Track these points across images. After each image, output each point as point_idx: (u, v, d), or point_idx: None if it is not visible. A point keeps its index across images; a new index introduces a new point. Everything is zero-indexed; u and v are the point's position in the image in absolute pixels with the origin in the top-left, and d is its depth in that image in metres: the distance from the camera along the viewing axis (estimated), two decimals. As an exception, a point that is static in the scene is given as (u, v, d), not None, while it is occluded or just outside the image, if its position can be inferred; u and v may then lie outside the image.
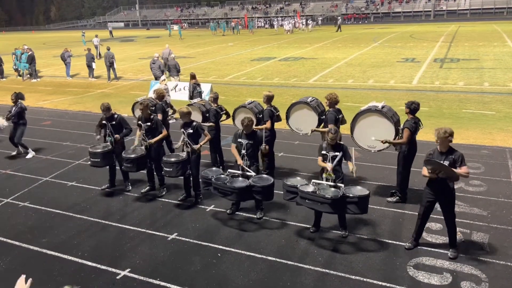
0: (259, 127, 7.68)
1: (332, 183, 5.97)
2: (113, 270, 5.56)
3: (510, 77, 17.20)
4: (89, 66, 21.70)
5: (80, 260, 5.81)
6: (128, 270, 5.55)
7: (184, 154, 7.17)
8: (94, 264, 5.70)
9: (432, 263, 5.48)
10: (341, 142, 6.30)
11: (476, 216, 6.63)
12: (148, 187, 7.93)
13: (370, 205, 5.91)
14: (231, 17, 72.39)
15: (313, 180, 6.11)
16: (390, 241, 6.02)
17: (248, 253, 5.85)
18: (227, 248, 5.98)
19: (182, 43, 40.54)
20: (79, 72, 23.91)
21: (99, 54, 29.52)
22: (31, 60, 21.99)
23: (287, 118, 8.12)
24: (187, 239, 6.26)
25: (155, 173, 7.88)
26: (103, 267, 5.64)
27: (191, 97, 11.58)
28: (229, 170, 6.71)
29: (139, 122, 7.62)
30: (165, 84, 12.93)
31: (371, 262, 5.55)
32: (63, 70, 23.32)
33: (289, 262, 5.60)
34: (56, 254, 5.99)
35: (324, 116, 7.59)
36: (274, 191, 6.47)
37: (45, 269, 5.66)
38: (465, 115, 12.34)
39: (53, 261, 5.83)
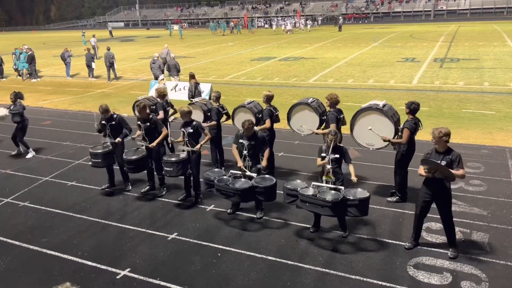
0: (259, 127, 7.67)
1: (332, 186, 5.96)
2: (113, 270, 5.57)
3: (510, 77, 17.19)
4: (89, 66, 21.70)
5: (80, 260, 5.81)
6: (128, 270, 5.55)
7: (184, 154, 7.16)
8: (94, 264, 5.70)
9: (432, 263, 5.48)
10: (341, 145, 6.29)
11: (476, 215, 6.63)
12: (148, 187, 7.93)
13: (370, 205, 5.90)
14: (231, 17, 72.40)
15: (313, 183, 6.10)
16: (390, 241, 6.02)
17: (248, 253, 5.85)
18: (227, 248, 5.98)
19: (182, 43, 40.54)
20: (79, 72, 23.92)
21: (96, 55, 29.53)
22: (31, 60, 21.99)
23: (288, 119, 8.12)
24: (187, 239, 6.26)
25: (155, 172, 7.88)
26: (103, 267, 5.64)
27: (192, 97, 11.57)
28: (231, 171, 6.70)
29: (139, 122, 7.62)
30: (164, 84, 12.94)
31: (371, 262, 5.55)
32: (63, 70, 23.33)
33: (289, 262, 5.60)
34: (56, 254, 5.99)
35: (325, 117, 7.58)
36: (276, 191, 6.46)
37: (45, 269, 5.66)
38: (465, 115, 12.34)
39: (53, 261, 5.83)
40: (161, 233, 6.45)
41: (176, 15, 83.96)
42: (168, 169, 7.12)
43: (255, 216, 6.81)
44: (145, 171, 7.89)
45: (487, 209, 6.81)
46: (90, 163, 7.91)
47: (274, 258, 5.70)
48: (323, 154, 6.16)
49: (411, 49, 27.59)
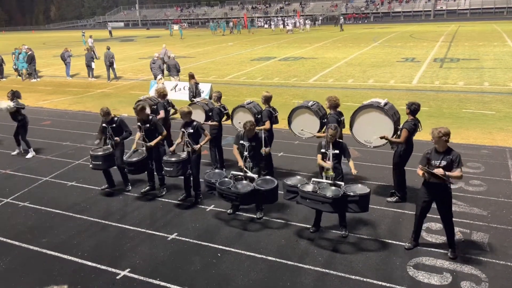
0: (258, 127, 7.66)
1: (332, 181, 5.97)
2: (113, 270, 5.56)
3: (510, 77, 17.20)
4: (89, 66, 21.71)
5: (80, 260, 5.81)
6: (128, 270, 5.55)
7: (184, 154, 7.16)
8: (94, 264, 5.70)
9: (432, 263, 5.48)
10: (341, 140, 6.30)
11: (476, 216, 6.63)
12: (148, 187, 7.93)
13: (370, 205, 5.91)
14: (231, 16, 72.41)
15: (313, 179, 6.10)
16: (390, 241, 6.02)
17: (248, 253, 5.85)
18: (227, 248, 5.98)
19: (182, 43, 40.54)
20: (79, 72, 23.92)
21: (95, 55, 29.55)
22: (31, 60, 21.99)
23: (289, 123, 8.12)
24: (187, 239, 6.26)
25: (155, 173, 7.88)
26: (103, 267, 5.64)
27: (194, 97, 11.57)
28: (232, 172, 6.69)
29: (138, 123, 7.61)
30: (162, 83, 12.95)
31: (371, 262, 5.55)
32: (63, 70, 23.33)
33: (289, 262, 5.60)
34: (56, 254, 5.99)
35: (325, 120, 7.59)
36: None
37: (45, 269, 5.66)
38: (465, 115, 12.34)
39: (53, 261, 5.82)
40: (161, 233, 6.45)
41: (176, 15, 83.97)
42: (168, 169, 7.12)
43: (255, 216, 6.81)
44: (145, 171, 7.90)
45: (487, 209, 6.81)
46: (90, 165, 7.89)
47: (274, 258, 5.70)
48: (323, 150, 6.16)
49: (411, 49, 27.60)
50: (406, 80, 17.77)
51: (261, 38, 42.70)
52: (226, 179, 6.59)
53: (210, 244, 6.10)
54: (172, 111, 9.51)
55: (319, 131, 7.69)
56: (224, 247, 6.01)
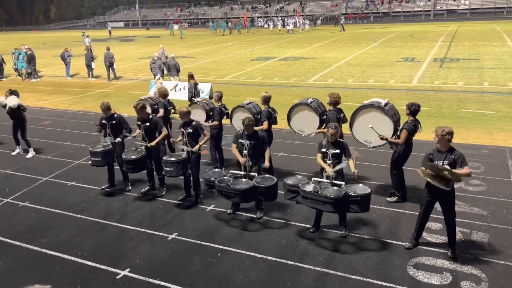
0: (257, 128, 7.64)
1: (332, 181, 5.96)
2: (113, 270, 5.57)
3: (510, 77, 17.20)
4: (88, 66, 21.71)
5: (80, 260, 5.81)
6: (128, 270, 5.55)
7: (184, 154, 7.17)
8: (94, 264, 5.70)
9: (432, 263, 5.48)
10: (342, 140, 6.29)
11: (476, 215, 6.63)
12: (148, 187, 7.93)
13: (369, 205, 5.91)
14: (231, 16, 72.42)
15: (313, 178, 6.09)
16: (390, 241, 6.02)
17: (248, 253, 5.85)
18: (227, 248, 5.98)
19: (182, 43, 40.53)
20: (79, 72, 23.91)
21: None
22: (30, 59, 21.99)
23: (288, 120, 8.11)
24: (187, 239, 6.26)
25: (155, 173, 7.88)
26: (103, 267, 5.64)
27: (192, 97, 11.56)
28: (231, 171, 6.70)
29: (138, 122, 7.62)
30: (160, 83, 12.95)
31: (371, 262, 5.55)
32: (63, 70, 23.33)
33: (289, 262, 5.60)
34: (56, 254, 5.99)
35: (325, 116, 7.58)
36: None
37: (45, 269, 5.66)
38: (465, 115, 12.34)
39: (53, 261, 5.82)
40: (161, 233, 6.45)
41: (176, 15, 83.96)
42: (168, 169, 7.12)
43: (255, 216, 6.82)
44: (145, 171, 7.90)
45: (487, 209, 6.81)
46: (89, 162, 7.91)
47: (274, 258, 5.70)
48: (323, 150, 6.15)
49: (411, 49, 27.60)
50: (406, 80, 17.77)
51: (261, 38, 42.70)
52: (225, 177, 6.60)
53: (210, 244, 6.10)
54: (173, 110, 9.53)
55: (318, 128, 7.68)
56: (224, 247, 6.01)
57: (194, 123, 7.25)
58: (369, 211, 5.95)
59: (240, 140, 6.73)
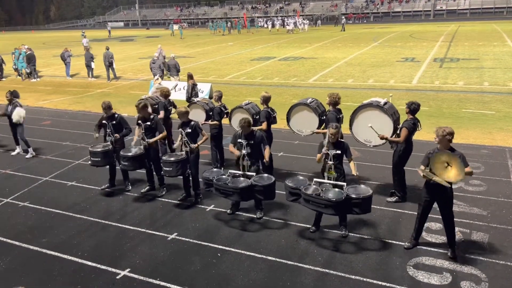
0: (256, 128, 7.64)
1: (334, 182, 5.95)
2: (113, 270, 5.57)
3: (510, 77, 17.20)
4: (88, 66, 21.70)
5: (80, 260, 5.81)
6: (128, 270, 5.55)
7: (183, 154, 7.17)
8: (94, 264, 5.70)
9: (432, 263, 5.48)
10: (343, 140, 6.29)
11: (476, 216, 6.63)
12: (148, 187, 7.94)
13: (371, 206, 5.89)
14: (231, 16, 72.42)
15: (315, 179, 6.08)
16: (390, 241, 6.02)
17: (248, 253, 5.85)
18: (227, 248, 5.98)
19: (182, 43, 40.53)
20: (79, 72, 23.92)
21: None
22: (29, 59, 21.98)
23: (288, 120, 8.11)
24: (187, 239, 6.26)
25: (154, 172, 7.87)
26: (103, 267, 5.64)
27: (189, 97, 11.55)
28: (230, 171, 6.70)
29: (139, 121, 7.62)
30: (159, 83, 12.95)
31: (371, 262, 5.55)
32: (63, 69, 23.33)
33: (289, 262, 5.60)
34: (56, 254, 5.99)
35: (324, 117, 7.58)
36: (276, 191, 6.46)
37: (45, 269, 5.66)
38: (465, 115, 12.34)
39: (53, 261, 5.82)
40: (161, 233, 6.45)
41: (175, 15, 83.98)
42: (167, 169, 7.11)
43: (255, 216, 6.82)
44: (145, 172, 7.90)
45: (487, 209, 6.81)
46: (89, 162, 7.91)
47: (274, 258, 5.70)
48: (324, 150, 6.14)
49: (411, 49, 27.61)
50: (406, 80, 17.77)
51: (261, 38, 42.70)
52: (224, 176, 6.61)
53: (210, 244, 6.10)
54: (173, 110, 9.53)
55: (318, 128, 7.68)
56: (224, 247, 6.01)
57: (192, 123, 7.25)
58: (370, 212, 5.94)
59: (239, 140, 6.74)
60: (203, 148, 9.12)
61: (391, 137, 6.88)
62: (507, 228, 6.23)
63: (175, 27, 54.24)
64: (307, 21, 54.47)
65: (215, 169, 7.18)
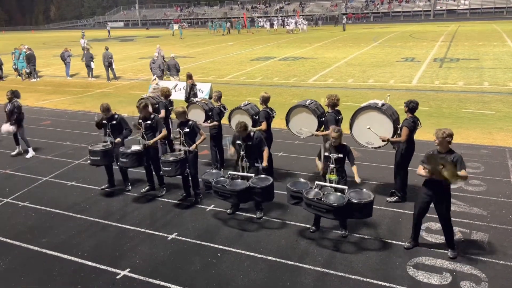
0: (255, 128, 7.64)
1: (335, 185, 5.93)
2: (113, 270, 5.57)
3: (510, 77, 17.21)
4: (88, 66, 21.70)
5: (80, 260, 5.81)
6: (128, 270, 5.55)
7: (181, 153, 7.17)
8: (94, 264, 5.70)
9: (431, 263, 5.48)
10: (345, 143, 6.27)
11: (476, 215, 6.63)
12: (147, 187, 7.94)
13: (372, 210, 5.87)
14: (231, 16, 72.43)
15: (316, 182, 6.06)
16: (389, 241, 6.02)
17: (248, 253, 5.85)
18: (227, 248, 5.98)
19: (182, 43, 40.53)
20: (79, 72, 23.92)
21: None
22: (29, 59, 21.98)
23: (287, 122, 8.11)
24: (187, 239, 6.26)
25: (153, 172, 7.87)
26: (103, 267, 5.65)
27: (188, 97, 11.55)
28: (229, 172, 6.70)
29: (140, 120, 7.62)
30: (156, 84, 12.95)
31: (371, 262, 5.56)
32: (62, 69, 23.32)
33: (289, 262, 5.61)
34: (56, 254, 5.99)
35: (323, 118, 7.58)
36: (275, 191, 6.46)
37: (45, 269, 5.66)
38: (465, 115, 12.34)
39: (53, 261, 5.83)
40: (161, 233, 6.45)
41: (175, 15, 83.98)
42: (166, 168, 7.11)
43: (255, 216, 6.82)
44: (144, 172, 7.90)
45: (487, 209, 6.81)
46: (88, 161, 7.91)
47: (274, 258, 5.70)
48: (326, 154, 6.12)
49: (411, 49, 27.61)
50: (406, 80, 17.77)
51: (261, 38, 42.70)
52: (222, 178, 6.61)
53: (210, 244, 6.10)
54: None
55: (317, 130, 7.68)
56: (224, 247, 6.01)
57: (190, 122, 7.26)
58: (371, 216, 5.93)
59: (238, 141, 6.75)
60: (203, 148, 9.13)
61: (392, 137, 6.88)
62: (507, 228, 6.24)
63: (175, 27, 54.26)
64: (306, 22, 54.44)
65: (214, 171, 7.18)
